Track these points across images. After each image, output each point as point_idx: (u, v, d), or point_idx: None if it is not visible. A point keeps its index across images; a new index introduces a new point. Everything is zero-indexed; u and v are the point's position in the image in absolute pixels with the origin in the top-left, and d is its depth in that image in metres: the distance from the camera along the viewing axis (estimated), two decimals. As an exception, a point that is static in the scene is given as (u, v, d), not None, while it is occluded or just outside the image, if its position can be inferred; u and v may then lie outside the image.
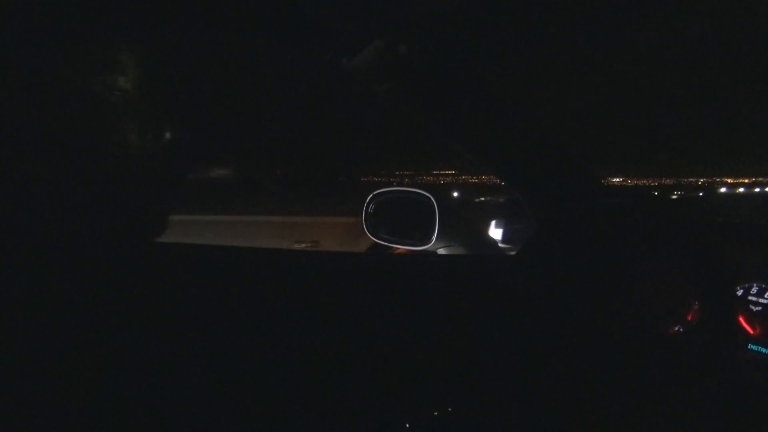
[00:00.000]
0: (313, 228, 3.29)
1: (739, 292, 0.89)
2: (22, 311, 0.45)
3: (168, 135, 0.56)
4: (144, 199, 0.54)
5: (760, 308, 0.87)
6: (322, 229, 3.28)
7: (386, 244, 1.14)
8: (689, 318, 0.92)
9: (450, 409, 0.92)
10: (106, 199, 0.50)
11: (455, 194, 1.35)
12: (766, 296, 0.88)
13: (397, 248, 1.19)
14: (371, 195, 1.13)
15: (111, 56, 0.51)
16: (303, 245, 2.89)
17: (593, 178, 0.98)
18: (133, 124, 0.52)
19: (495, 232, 1.39)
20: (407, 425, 0.90)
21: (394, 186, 1.15)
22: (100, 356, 0.52)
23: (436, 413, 0.91)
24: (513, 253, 1.28)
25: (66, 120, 0.47)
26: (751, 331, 0.87)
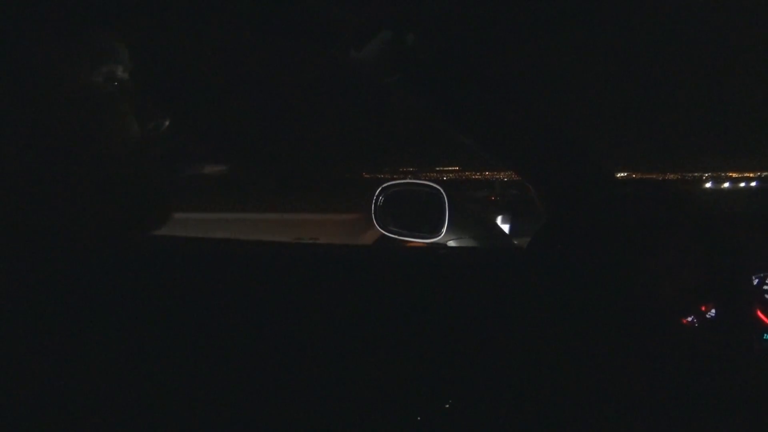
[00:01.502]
0: (312, 225, 3.27)
1: (755, 282, 0.88)
2: (20, 306, 0.45)
3: (167, 126, 0.56)
4: (145, 192, 0.54)
5: (775, 298, 0.86)
6: (321, 225, 3.26)
7: (395, 237, 1.13)
8: (703, 309, 0.91)
9: (461, 402, 0.91)
10: (106, 191, 0.50)
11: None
12: (782, 286, 0.87)
13: (410, 242, 1.19)
14: (380, 188, 1.13)
15: (109, 47, 0.51)
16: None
17: (605, 169, 0.97)
18: (133, 116, 0.52)
19: (501, 227, 1.38)
20: (419, 418, 0.90)
21: (402, 179, 1.14)
22: (102, 351, 0.51)
23: (447, 406, 0.91)
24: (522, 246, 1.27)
25: (65, 112, 0.47)
26: (767, 321, 0.86)
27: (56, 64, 0.46)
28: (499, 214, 1.36)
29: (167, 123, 0.56)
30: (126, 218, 0.53)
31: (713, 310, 0.88)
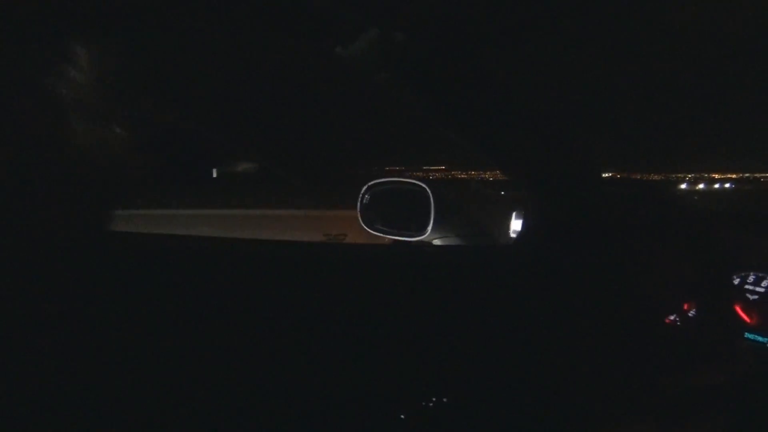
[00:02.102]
0: (340, 221, 3.26)
1: (736, 281, 0.89)
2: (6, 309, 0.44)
3: (118, 130, 0.55)
4: (90, 193, 0.53)
5: (756, 297, 0.87)
6: (349, 221, 3.24)
7: (381, 234, 1.13)
8: (685, 308, 0.92)
9: (445, 400, 0.91)
10: (54, 192, 0.49)
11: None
12: (762, 285, 0.88)
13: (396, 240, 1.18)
14: (366, 186, 1.12)
15: (63, 48, 0.50)
16: (331, 237, 2.88)
17: (590, 168, 0.98)
18: (86, 118, 0.51)
19: (515, 223, 1.36)
20: (402, 416, 0.89)
21: (389, 177, 1.14)
22: (100, 351, 0.50)
23: (431, 404, 0.91)
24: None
25: (16, 114, 0.46)
26: (748, 320, 0.87)
27: (8, 66, 0.45)
28: (512, 211, 1.34)
29: (119, 129, 0.55)
30: (79, 218, 0.52)
31: (695, 310, 0.89)
